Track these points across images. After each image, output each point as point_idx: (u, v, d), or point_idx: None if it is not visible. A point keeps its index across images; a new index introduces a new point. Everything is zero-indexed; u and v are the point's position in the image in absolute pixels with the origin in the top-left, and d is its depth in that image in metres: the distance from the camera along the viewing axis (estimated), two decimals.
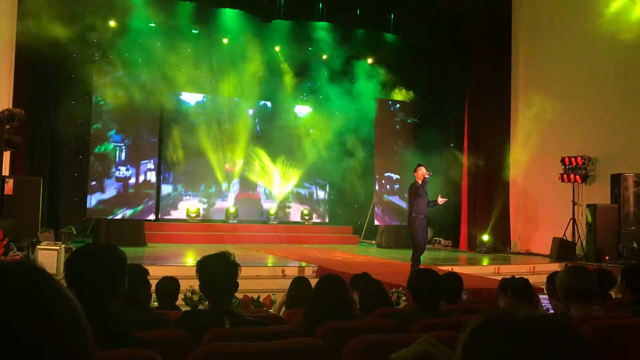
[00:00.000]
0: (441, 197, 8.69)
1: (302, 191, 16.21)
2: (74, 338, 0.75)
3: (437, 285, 3.41)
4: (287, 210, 16.00)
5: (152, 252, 10.92)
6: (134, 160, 12.51)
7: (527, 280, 4.22)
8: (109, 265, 2.07)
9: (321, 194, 16.49)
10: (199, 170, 14.88)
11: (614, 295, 4.52)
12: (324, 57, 14.71)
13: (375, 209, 14.84)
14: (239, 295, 6.51)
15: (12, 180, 9.03)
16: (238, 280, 2.80)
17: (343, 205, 16.28)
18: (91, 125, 12.22)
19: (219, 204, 15.17)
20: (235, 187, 15.39)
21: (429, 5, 13.33)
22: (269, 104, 15.92)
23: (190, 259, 10.17)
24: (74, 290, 1.99)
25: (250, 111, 15.71)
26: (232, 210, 14.91)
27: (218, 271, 2.75)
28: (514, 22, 14.16)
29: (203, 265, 2.80)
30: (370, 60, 14.75)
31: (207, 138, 15.02)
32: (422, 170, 8.41)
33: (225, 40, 14.03)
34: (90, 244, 2.56)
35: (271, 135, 15.81)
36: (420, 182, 8.38)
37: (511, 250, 13.54)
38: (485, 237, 13.30)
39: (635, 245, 10.46)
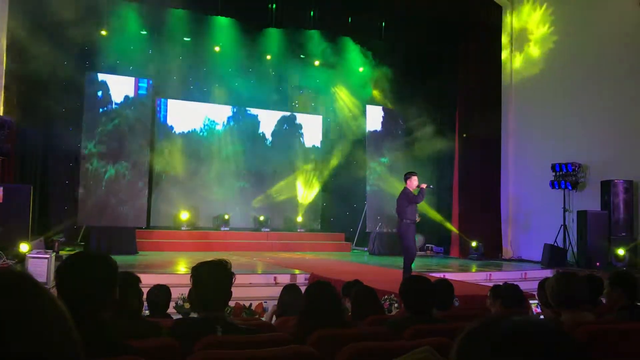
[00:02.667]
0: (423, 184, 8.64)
1: (295, 198, 16.18)
2: (63, 347, 0.75)
3: (428, 292, 3.42)
4: (278, 217, 15.97)
5: (143, 260, 10.86)
6: (124, 167, 12.46)
7: (517, 286, 4.24)
8: (100, 274, 2.06)
9: (313, 201, 16.47)
10: (190, 178, 14.83)
11: (604, 301, 4.55)
12: (316, 63, 14.76)
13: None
14: (230, 303, 6.48)
15: (1, 188, 8.96)
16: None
17: (335, 213, 16.27)
18: (82, 133, 12.17)
19: (211, 211, 15.12)
20: (227, 195, 15.33)
21: (420, 13, 13.41)
22: (261, 111, 15.92)
23: (182, 267, 10.12)
24: (64, 298, 1.98)
25: (242, 118, 15.71)
26: (225, 217, 14.86)
27: (213, 279, 2.75)
28: (504, 30, 14.28)
29: (198, 271, 2.79)
30: (361, 69, 14.81)
31: (199, 145, 15.03)
32: (416, 180, 8.45)
33: (217, 49, 14.03)
34: (81, 252, 2.55)
35: (263, 143, 15.83)
36: (412, 190, 8.41)
37: (503, 257, 13.58)
38: (477, 244, 13.33)
39: (624, 252, 10.56)
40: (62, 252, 9.08)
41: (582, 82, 12.24)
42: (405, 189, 8.49)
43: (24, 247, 8.15)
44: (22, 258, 7.85)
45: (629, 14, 11.47)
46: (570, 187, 12.06)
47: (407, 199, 8.36)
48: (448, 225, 14.37)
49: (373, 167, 15.03)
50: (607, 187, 11.21)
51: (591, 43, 12.07)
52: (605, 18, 11.89)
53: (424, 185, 8.49)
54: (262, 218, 15.25)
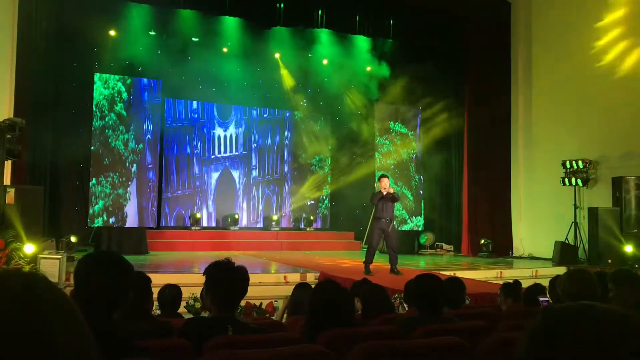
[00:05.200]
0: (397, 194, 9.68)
1: (304, 197, 16.20)
2: (75, 350, 0.74)
3: (439, 291, 3.40)
4: (288, 216, 16.01)
5: (153, 260, 10.91)
6: (134, 167, 12.51)
7: (539, 284, 4.22)
8: (116, 274, 2.07)
9: (322, 200, 16.49)
10: (199, 177, 14.90)
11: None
12: (324, 62, 14.76)
13: None
14: (241, 302, 6.50)
15: (13, 189, 9.01)
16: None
17: (344, 211, 16.27)
18: (92, 134, 12.23)
19: (221, 211, 15.18)
20: (236, 194, 15.38)
21: (429, 11, 13.36)
22: (269, 110, 15.96)
23: (193, 267, 10.16)
24: (80, 298, 1.99)
25: (251, 118, 15.76)
26: (234, 217, 14.91)
27: (226, 278, 2.75)
28: (513, 26, 14.21)
29: (212, 271, 2.80)
30: (369, 68, 14.78)
31: (208, 145, 15.07)
32: (384, 183, 9.22)
33: (225, 49, 14.04)
34: (98, 252, 2.56)
35: (272, 142, 15.87)
36: (384, 192, 9.11)
37: (513, 255, 13.53)
38: (487, 242, 13.28)
39: (632, 249, 10.50)
40: (74, 253, 9.13)
41: (592, 76, 12.14)
42: (379, 190, 9.29)
43: (28, 248, 8.06)
44: (33, 259, 7.88)
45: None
46: (581, 184, 11.98)
47: (372, 199, 9.29)
48: (458, 223, 14.33)
49: (382, 165, 14.99)
50: (618, 183, 11.12)
51: (599, 37, 11.97)
52: (612, 11, 11.80)
53: (384, 191, 9.16)
54: (275, 217, 15.33)
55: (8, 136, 8.84)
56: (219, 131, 15.28)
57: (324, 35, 13.83)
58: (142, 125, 12.46)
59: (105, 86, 12.19)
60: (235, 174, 15.36)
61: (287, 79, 15.23)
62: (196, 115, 15.05)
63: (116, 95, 12.25)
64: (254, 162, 15.63)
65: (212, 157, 15.16)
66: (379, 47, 14.31)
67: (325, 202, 16.44)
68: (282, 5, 12.63)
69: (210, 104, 15.21)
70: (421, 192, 14.99)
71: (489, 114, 13.93)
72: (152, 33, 12.90)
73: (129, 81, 12.48)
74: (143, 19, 12.35)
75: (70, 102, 12.64)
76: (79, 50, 12.14)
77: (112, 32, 12.64)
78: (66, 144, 12.48)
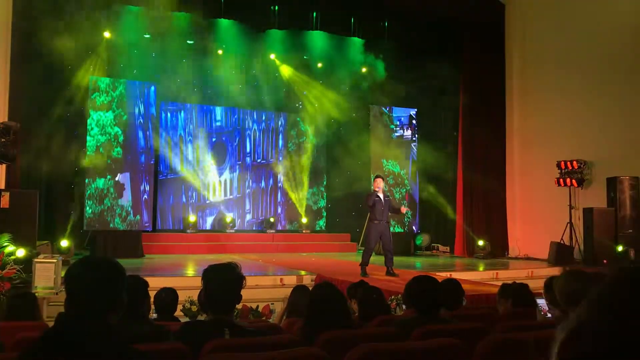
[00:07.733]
0: (404, 207, 10.11)
1: (300, 199, 16.18)
2: None
3: (436, 292, 3.41)
4: (284, 219, 15.99)
5: (149, 264, 10.89)
6: (129, 171, 12.48)
7: (527, 285, 4.22)
8: (107, 277, 2.06)
9: (319, 202, 16.48)
10: (195, 180, 14.88)
11: None
12: (319, 65, 14.76)
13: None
14: (237, 305, 6.48)
15: (8, 193, 8.96)
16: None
17: (340, 213, 16.26)
18: (87, 136, 12.19)
19: (217, 214, 15.16)
20: (232, 196, 15.37)
21: (424, 12, 13.38)
22: (264, 113, 15.95)
23: (189, 270, 10.14)
24: (72, 302, 1.98)
25: (246, 120, 15.74)
26: (229, 220, 14.89)
27: (224, 281, 2.75)
28: (507, 28, 14.24)
29: (209, 274, 2.79)
30: (364, 69, 14.80)
31: (204, 147, 15.05)
32: (379, 183, 9.40)
33: (220, 52, 14.04)
34: (89, 256, 2.54)
35: (267, 144, 15.86)
36: (377, 189, 9.27)
37: (509, 255, 13.55)
38: (483, 243, 13.31)
39: (622, 248, 10.55)
40: (72, 258, 9.08)
41: (586, 77, 12.19)
42: (372, 191, 9.34)
43: (18, 253, 7.93)
44: (28, 263, 7.82)
45: (634, 6, 11.42)
46: (575, 185, 12.01)
47: (367, 200, 9.29)
48: (454, 224, 14.34)
49: (378, 167, 15.00)
50: (612, 183, 11.17)
51: (594, 38, 12.01)
52: (610, 12, 11.84)
53: (403, 209, 9.81)
54: (272, 219, 15.33)
55: (2, 140, 8.80)
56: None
57: (318, 37, 13.84)
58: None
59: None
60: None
61: (283, 81, 15.23)
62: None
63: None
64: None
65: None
66: (373, 49, 14.34)
67: (320, 200, 16.41)
68: (276, 7, 12.64)
69: (204, 107, 15.18)
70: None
71: (483, 116, 13.96)
72: (147, 36, 12.87)
73: (123, 84, 12.42)
74: (138, 22, 12.31)
75: (64, 106, 12.59)
76: (73, 53, 12.10)
77: (107, 36, 12.61)
78: (61, 147, 12.43)
